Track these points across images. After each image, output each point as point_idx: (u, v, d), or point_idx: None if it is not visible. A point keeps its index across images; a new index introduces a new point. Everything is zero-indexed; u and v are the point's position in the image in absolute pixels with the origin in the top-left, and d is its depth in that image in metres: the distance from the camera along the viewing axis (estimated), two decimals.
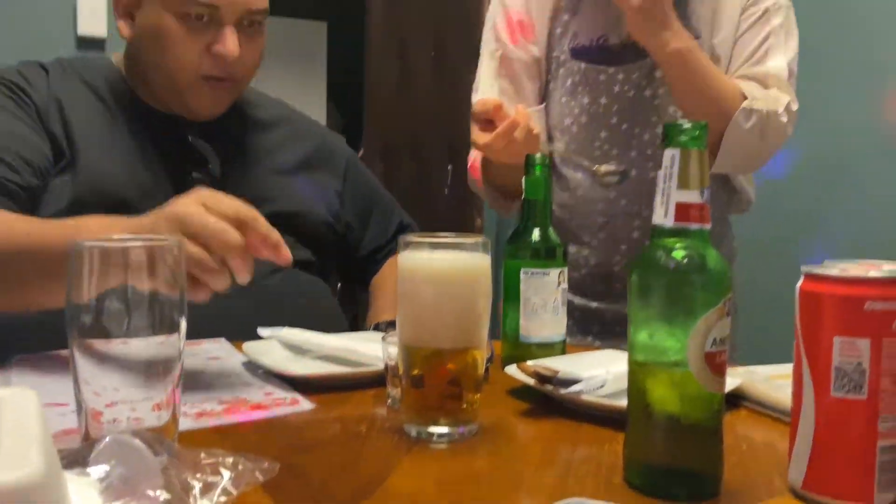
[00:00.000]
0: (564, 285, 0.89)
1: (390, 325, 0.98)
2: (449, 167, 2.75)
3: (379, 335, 0.82)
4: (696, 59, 1.10)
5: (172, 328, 0.58)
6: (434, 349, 0.65)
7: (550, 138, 1.28)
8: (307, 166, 1.21)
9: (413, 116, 2.86)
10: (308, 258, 1.14)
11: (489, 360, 0.84)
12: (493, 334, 0.91)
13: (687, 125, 0.55)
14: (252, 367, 0.85)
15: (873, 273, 0.51)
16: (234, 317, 0.93)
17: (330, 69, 4.66)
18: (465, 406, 0.66)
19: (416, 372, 0.66)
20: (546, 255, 0.89)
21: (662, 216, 0.55)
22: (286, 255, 0.76)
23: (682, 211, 0.54)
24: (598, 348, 1.06)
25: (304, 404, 0.74)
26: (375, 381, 0.78)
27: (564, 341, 0.90)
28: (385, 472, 0.58)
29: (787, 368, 0.57)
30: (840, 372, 0.51)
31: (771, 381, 0.77)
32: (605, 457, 0.62)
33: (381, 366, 0.76)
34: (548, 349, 0.88)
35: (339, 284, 1.36)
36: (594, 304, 1.25)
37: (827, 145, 2.10)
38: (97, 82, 1.09)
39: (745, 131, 1.11)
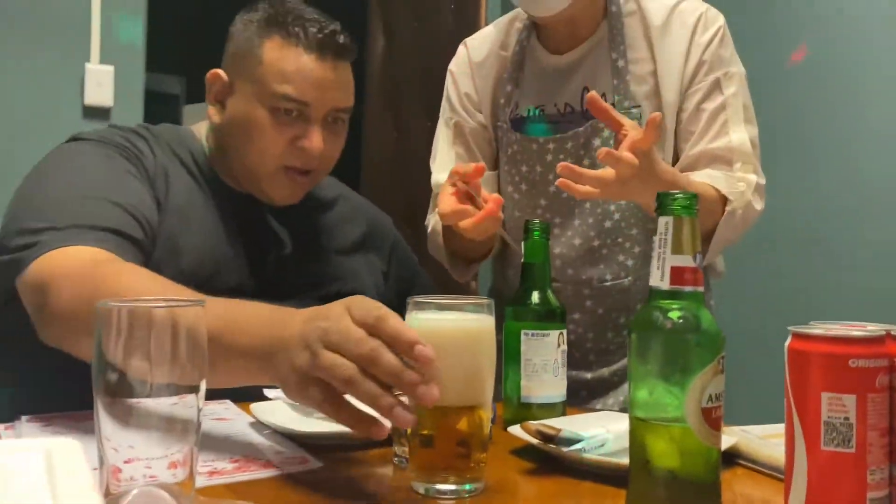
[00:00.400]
0: (564, 346, 0.92)
1: None
2: None
3: None
4: None
5: (193, 388, 0.60)
6: (442, 408, 0.68)
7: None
8: (361, 246, 1.25)
9: (408, 177, 2.93)
10: None
11: (492, 420, 0.87)
12: (495, 395, 0.94)
13: (679, 195, 0.60)
14: (259, 427, 0.87)
15: (856, 332, 0.55)
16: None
17: None
18: (472, 464, 0.68)
19: (425, 432, 0.68)
20: (546, 317, 0.92)
21: (659, 279, 0.58)
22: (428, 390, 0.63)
23: (677, 274, 0.58)
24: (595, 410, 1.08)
25: (313, 463, 0.75)
26: (382, 440, 0.80)
27: (565, 402, 0.93)
28: None
29: (780, 428, 0.59)
30: (829, 426, 0.54)
31: (765, 440, 0.80)
32: None
33: (387, 424, 0.78)
34: (549, 409, 0.90)
35: None
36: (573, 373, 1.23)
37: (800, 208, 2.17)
38: (186, 157, 1.12)
39: (729, 232, 1.13)
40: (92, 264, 0.86)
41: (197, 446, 0.61)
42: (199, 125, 1.18)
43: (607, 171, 0.92)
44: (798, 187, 2.16)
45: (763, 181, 1.17)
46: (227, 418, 0.91)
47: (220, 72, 1.10)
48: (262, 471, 0.72)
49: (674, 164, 1.19)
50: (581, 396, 1.21)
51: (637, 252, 1.20)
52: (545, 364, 0.90)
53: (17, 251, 0.90)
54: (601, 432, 0.75)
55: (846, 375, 0.54)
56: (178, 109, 4.35)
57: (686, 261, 0.58)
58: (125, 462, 0.58)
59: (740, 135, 1.15)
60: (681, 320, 0.57)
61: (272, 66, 1.05)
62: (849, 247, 2.11)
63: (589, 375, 1.23)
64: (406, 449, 0.75)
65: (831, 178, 2.16)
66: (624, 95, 1.18)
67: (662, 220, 0.59)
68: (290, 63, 1.05)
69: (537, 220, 0.95)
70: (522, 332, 0.91)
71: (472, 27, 2.76)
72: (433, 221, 1.28)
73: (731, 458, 0.78)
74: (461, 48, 1.36)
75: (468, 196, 1.00)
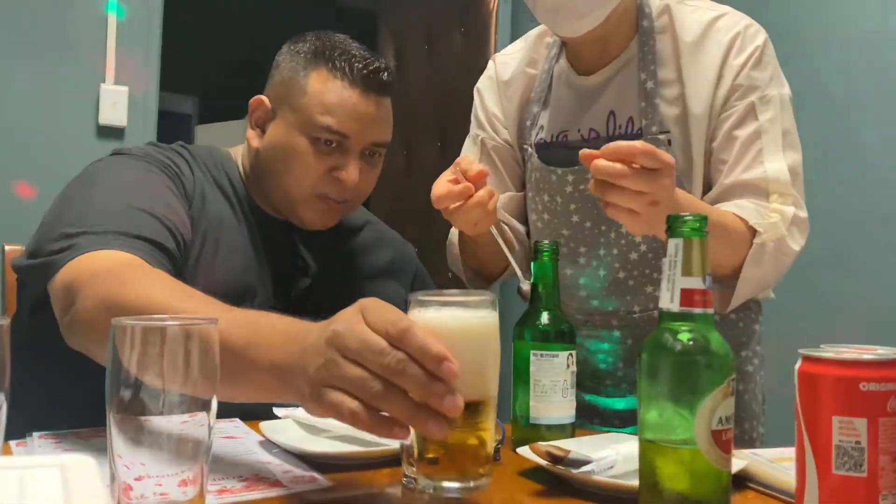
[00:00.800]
0: (573, 367, 0.92)
1: None
2: None
3: None
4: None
5: (205, 406, 0.61)
6: None
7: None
8: (385, 273, 1.26)
9: (418, 200, 2.94)
10: None
11: (500, 441, 0.87)
12: (504, 416, 0.94)
13: (689, 217, 0.60)
14: (269, 445, 0.87)
15: (867, 355, 0.55)
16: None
17: None
18: (481, 461, 0.68)
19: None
20: (555, 338, 0.92)
21: (669, 301, 0.59)
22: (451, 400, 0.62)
23: (687, 296, 0.58)
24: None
25: (322, 482, 0.75)
26: (391, 460, 0.80)
27: (574, 423, 0.93)
28: None
29: (790, 452, 0.59)
30: (840, 450, 0.54)
31: (775, 463, 0.79)
32: None
33: (396, 445, 0.78)
34: (558, 431, 0.90)
35: None
36: (587, 397, 1.20)
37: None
38: (222, 179, 1.13)
39: (760, 269, 1.04)
40: (119, 266, 0.86)
41: (207, 464, 0.61)
42: (236, 148, 1.20)
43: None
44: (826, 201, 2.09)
45: (804, 214, 1.07)
46: (236, 436, 0.92)
47: (264, 98, 1.13)
48: (271, 490, 0.73)
49: (703, 195, 1.11)
50: (614, 425, 1.19)
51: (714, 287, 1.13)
52: (554, 385, 0.90)
53: (52, 255, 0.91)
54: (611, 454, 0.75)
55: (857, 399, 0.53)
56: (190, 129, 4.39)
57: (696, 283, 0.58)
58: (136, 479, 0.59)
59: (777, 164, 1.06)
60: (690, 342, 0.58)
61: (316, 97, 1.07)
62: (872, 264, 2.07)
63: (622, 405, 1.20)
64: (415, 469, 0.75)
65: (854, 191, 2.11)
66: (651, 120, 1.11)
67: (672, 243, 0.59)
68: (334, 96, 1.07)
69: (546, 241, 0.95)
70: (531, 352, 0.91)
71: (482, 51, 2.79)
72: (452, 233, 1.27)
73: (742, 481, 0.78)
74: (490, 63, 1.32)
75: (467, 193, 0.98)
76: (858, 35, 2.14)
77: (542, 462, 0.77)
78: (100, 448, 0.69)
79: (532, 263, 0.96)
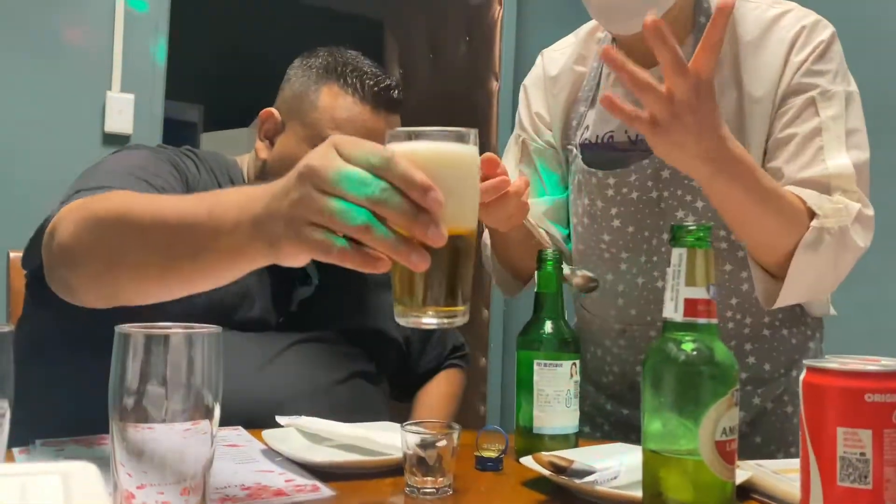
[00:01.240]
0: (577, 377, 0.92)
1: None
2: None
3: (396, 425, 0.84)
4: (752, 188, 0.88)
5: (207, 413, 0.61)
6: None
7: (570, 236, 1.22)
8: (387, 283, 1.25)
9: None
10: (372, 371, 1.16)
11: (503, 451, 0.86)
12: (507, 426, 0.93)
13: (692, 226, 0.60)
14: (270, 454, 0.87)
15: (872, 367, 0.54)
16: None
17: None
18: (461, 295, 0.65)
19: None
20: (559, 347, 0.92)
21: (672, 311, 0.58)
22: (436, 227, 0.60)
23: (691, 306, 0.58)
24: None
25: (325, 491, 0.75)
26: (393, 469, 0.80)
27: (577, 433, 0.92)
28: None
29: (794, 463, 0.59)
30: (845, 462, 0.53)
31: (779, 474, 0.79)
32: None
33: (398, 455, 0.78)
34: (561, 441, 0.90)
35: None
36: (625, 412, 1.16)
37: None
38: (226, 185, 1.14)
39: (816, 258, 0.92)
40: (99, 196, 0.85)
41: (209, 473, 0.61)
42: (243, 157, 1.21)
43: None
44: None
45: (870, 212, 0.97)
46: (238, 445, 0.91)
47: (274, 111, 1.14)
48: (274, 499, 0.72)
49: None
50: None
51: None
52: (558, 394, 0.90)
53: (48, 219, 0.90)
54: (614, 464, 0.74)
55: (862, 410, 0.53)
56: (196, 137, 4.41)
57: (699, 293, 0.58)
58: (138, 487, 0.59)
59: (839, 160, 0.96)
60: (694, 352, 0.57)
61: (326, 113, 1.08)
62: None
63: None
64: (416, 479, 0.75)
65: None
66: None
67: (676, 252, 0.59)
68: (344, 111, 1.07)
69: (550, 250, 0.95)
70: (535, 362, 0.91)
71: (487, 59, 2.80)
72: (485, 235, 1.23)
73: (746, 492, 0.77)
74: (538, 59, 1.26)
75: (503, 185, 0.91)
76: None
77: (546, 472, 0.76)
78: (102, 455, 0.69)
79: (536, 272, 0.95)
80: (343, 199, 0.59)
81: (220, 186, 1.13)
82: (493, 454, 0.86)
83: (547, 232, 1.20)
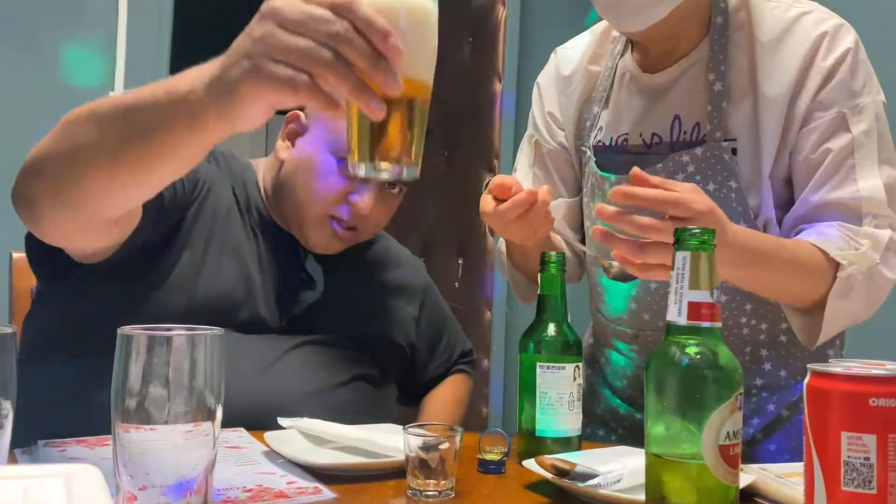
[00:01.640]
0: (580, 380, 0.91)
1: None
2: (459, 261, 2.81)
3: (399, 427, 0.84)
4: (773, 266, 0.90)
5: (210, 415, 0.61)
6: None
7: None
8: (393, 289, 1.25)
9: (424, 211, 2.95)
10: (376, 374, 1.17)
11: (506, 453, 0.86)
12: (510, 428, 0.93)
13: (696, 230, 0.60)
14: (272, 456, 0.87)
15: (877, 371, 0.54)
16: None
17: None
18: (414, 146, 0.66)
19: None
20: (562, 350, 0.92)
21: (676, 314, 0.58)
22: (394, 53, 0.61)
23: (694, 310, 0.58)
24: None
25: (327, 493, 0.75)
26: (395, 472, 0.80)
27: (580, 436, 0.92)
28: None
29: (798, 467, 0.59)
30: (849, 466, 0.53)
31: (783, 478, 0.79)
32: None
33: (401, 457, 0.78)
34: (564, 444, 0.89)
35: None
36: (639, 416, 1.14)
37: None
38: (238, 183, 1.15)
39: (848, 304, 0.93)
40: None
41: (211, 474, 0.61)
42: (258, 160, 1.21)
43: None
44: None
45: None
46: (240, 447, 0.91)
47: (301, 113, 1.15)
48: (276, 501, 0.72)
49: (778, 211, 1.02)
50: None
51: (722, 301, 0.99)
52: (560, 397, 0.90)
53: None
54: (617, 468, 0.74)
55: (866, 414, 0.53)
56: None
57: (703, 296, 0.58)
58: (140, 489, 0.59)
59: (872, 181, 0.95)
60: (698, 356, 0.57)
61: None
62: None
63: None
64: (418, 482, 0.75)
65: None
66: (716, 125, 1.00)
67: (679, 256, 0.59)
68: None
69: (553, 252, 0.95)
70: (538, 364, 0.91)
71: (490, 60, 2.80)
72: (500, 242, 1.22)
73: (750, 496, 0.77)
74: (552, 56, 1.24)
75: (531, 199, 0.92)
76: None
77: (548, 475, 0.76)
78: (105, 456, 0.69)
79: (539, 275, 0.95)
80: (306, 37, 0.59)
81: (233, 189, 1.13)
82: (495, 457, 0.86)
83: (562, 235, 1.17)
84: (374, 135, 0.65)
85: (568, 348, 0.92)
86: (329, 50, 0.59)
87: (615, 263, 1.04)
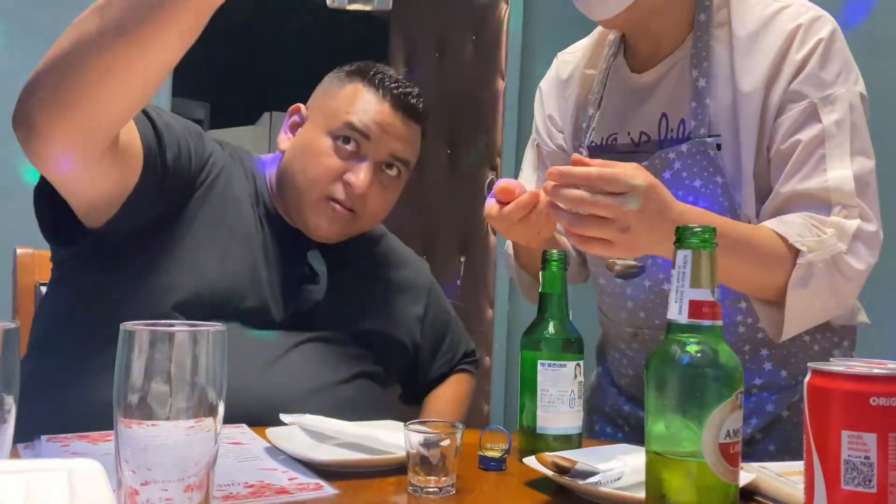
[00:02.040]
0: (581, 378, 0.91)
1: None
2: (461, 259, 2.81)
3: (400, 424, 0.84)
4: (723, 247, 0.87)
5: (212, 411, 0.61)
6: None
7: None
8: (398, 287, 1.26)
9: (426, 209, 2.95)
10: (379, 372, 1.17)
11: (506, 451, 0.86)
12: (511, 425, 0.93)
13: (698, 228, 0.60)
14: (274, 452, 0.87)
15: (878, 370, 0.54)
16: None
17: None
18: None
19: None
20: (563, 348, 0.92)
21: (677, 313, 0.58)
22: None
23: (695, 308, 0.58)
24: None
25: (328, 489, 0.75)
26: (396, 468, 0.80)
27: (581, 434, 0.92)
28: None
29: (798, 466, 0.59)
30: (849, 465, 0.53)
31: (783, 477, 0.79)
32: None
33: (402, 454, 0.78)
34: (564, 441, 0.90)
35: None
36: (642, 414, 1.15)
37: None
38: (248, 174, 1.16)
39: (808, 292, 0.91)
40: None
41: (213, 470, 0.61)
42: (265, 156, 1.23)
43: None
44: None
45: (873, 227, 0.94)
46: (242, 443, 0.92)
47: (302, 106, 1.18)
48: (277, 497, 0.73)
49: (759, 206, 1.02)
50: None
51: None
52: (561, 395, 0.90)
53: None
54: (617, 465, 0.74)
55: (867, 414, 0.53)
56: None
57: (704, 295, 0.58)
58: (142, 484, 0.59)
59: (842, 171, 0.94)
60: (699, 354, 0.57)
61: (345, 100, 1.12)
62: None
63: None
64: (419, 478, 0.75)
65: None
66: (700, 121, 1.02)
67: (681, 254, 0.59)
68: (363, 100, 1.11)
69: (555, 251, 0.95)
70: (539, 362, 0.91)
71: (493, 58, 2.79)
72: (508, 244, 1.24)
73: (750, 494, 0.77)
74: (554, 61, 1.26)
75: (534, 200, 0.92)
76: None
77: (549, 472, 0.76)
78: (107, 452, 0.69)
79: (541, 273, 0.95)
80: None
81: (244, 181, 1.14)
82: (496, 454, 0.86)
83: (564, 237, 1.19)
84: None
85: (569, 346, 0.92)
86: None
87: (618, 261, 1.05)
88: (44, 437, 0.87)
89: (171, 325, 0.61)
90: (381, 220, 1.21)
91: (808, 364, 0.57)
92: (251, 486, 0.75)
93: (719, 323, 0.58)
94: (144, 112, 0.99)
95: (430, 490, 0.75)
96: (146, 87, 0.84)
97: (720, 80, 1.02)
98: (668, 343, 0.58)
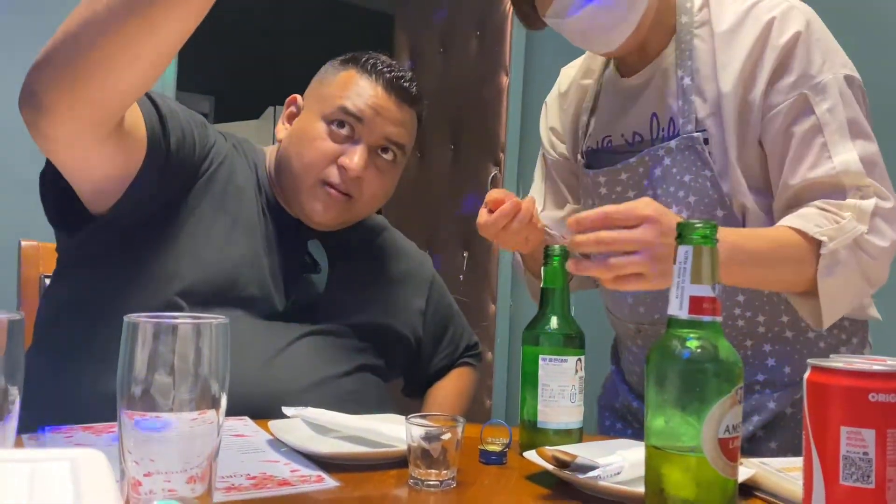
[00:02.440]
0: (582, 373, 0.92)
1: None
2: (464, 254, 2.82)
3: (402, 417, 0.84)
4: (752, 261, 0.91)
5: (214, 403, 0.61)
6: None
7: None
8: (400, 280, 1.26)
9: (430, 206, 2.95)
10: (381, 365, 1.18)
11: (507, 445, 0.87)
12: (512, 420, 0.94)
13: (699, 224, 0.60)
14: (277, 444, 0.88)
15: (877, 366, 0.55)
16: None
17: None
18: None
19: None
20: (564, 343, 0.92)
21: (677, 308, 0.59)
22: None
23: (696, 304, 0.58)
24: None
25: (329, 482, 0.76)
26: (397, 461, 0.81)
27: (581, 428, 0.92)
28: None
29: (798, 462, 0.59)
30: (848, 461, 0.53)
31: (782, 472, 0.79)
32: None
33: (403, 447, 0.79)
34: (565, 436, 0.90)
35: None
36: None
37: None
38: (251, 165, 1.17)
39: (837, 280, 0.93)
40: None
41: (216, 462, 0.62)
42: (270, 148, 1.23)
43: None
44: None
45: (890, 203, 0.95)
46: (245, 434, 0.92)
47: (299, 97, 1.20)
48: (279, 489, 0.73)
49: (756, 196, 1.03)
50: None
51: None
52: (562, 390, 0.90)
53: None
54: (617, 460, 0.75)
55: (866, 410, 0.53)
56: None
57: (705, 290, 0.58)
58: (145, 475, 0.59)
59: (846, 155, 0.95)
60: (699, 349, 0.58)
61: (339, 86, 1.13)
62: None
63: None
64: (420, 471, 0.75)
65: None
66: (688, 118, 1.05)
67: (682, 250, 0.59)
68: (357, 85, 1.13)
69: (557, 246, 0.95)
70: (540, 357, 0.91)
71: (497, 56, 2.79)
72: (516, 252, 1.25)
73: (749, 490, 0.78)
74: (559, 76, 1.32)
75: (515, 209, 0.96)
76: None
77: (549, 466, 0.77)
78: (111, 443, 0.70)
79: (542, 268, 0.96)
80: None
81: (248, 166, 1.15)
82: (497, 448, 0.86)
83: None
84: None
85: (570, 341, 0.92)
86: None
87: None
88: (48, 428, 0.88)
89: (175, 318, 0.61)
90: (380, 207, 1.21)
91: (808, 360, 0.57)
92: (253, 477, 0.76)
93: (719, 319, 0.59)
94: (149, 97, 1.00)
95: (431, 483, 0.75)
96: (154, 67, 0.85)
97: (704, 76, 1.05)
98: (668, 338, 0.59)
